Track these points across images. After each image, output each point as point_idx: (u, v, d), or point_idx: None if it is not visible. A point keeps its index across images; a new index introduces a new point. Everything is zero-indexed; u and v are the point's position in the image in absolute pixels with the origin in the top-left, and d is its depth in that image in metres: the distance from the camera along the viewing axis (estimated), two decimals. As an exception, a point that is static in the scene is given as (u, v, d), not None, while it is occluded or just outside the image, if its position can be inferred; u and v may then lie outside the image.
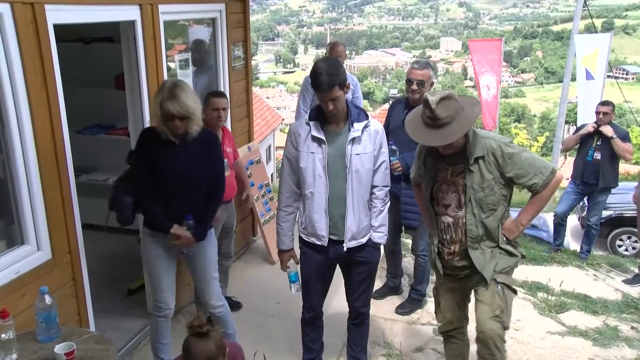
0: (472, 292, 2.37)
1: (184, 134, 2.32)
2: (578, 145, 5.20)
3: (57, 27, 2.27)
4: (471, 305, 2.46)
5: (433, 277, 3.77)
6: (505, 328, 2.24)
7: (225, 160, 3.14)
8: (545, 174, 2.14)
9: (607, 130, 4.83)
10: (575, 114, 6.53)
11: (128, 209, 2.47)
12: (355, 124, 2.36)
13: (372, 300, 2.80)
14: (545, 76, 64.52)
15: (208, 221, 2.53)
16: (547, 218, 9.55)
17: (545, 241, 6.90)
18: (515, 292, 2.31)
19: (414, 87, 3.11)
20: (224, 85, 3.81)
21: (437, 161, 2.24)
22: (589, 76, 8.33)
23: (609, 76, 9.14)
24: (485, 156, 2.13)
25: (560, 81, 12.16)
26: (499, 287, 2.23)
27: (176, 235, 2.42)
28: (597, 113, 4.93)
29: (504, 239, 2.25)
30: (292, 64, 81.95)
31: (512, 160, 2.13)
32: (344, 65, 4.00)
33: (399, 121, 3.23)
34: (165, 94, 2.22)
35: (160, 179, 2.38)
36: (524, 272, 4.52)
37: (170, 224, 2.41)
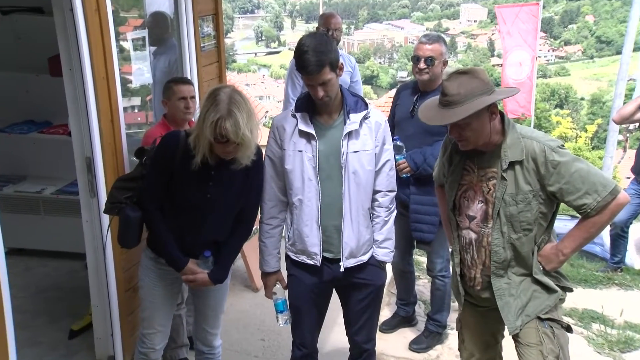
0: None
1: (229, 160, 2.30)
2: None
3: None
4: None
5: (455, 304, 3.80)
6: None
7: None
8: (602, 194, 2.03)
9: None
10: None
11: (134, 226, 2.48)
12: (351, 115, 2.38)
13: (379, 334, 2.82)
14: (597, 47, 64.34)
15: (231, 260, 2.58)
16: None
17: (599, 257, 6.90)
18: (569, 329, 2.25)
19: (422, 65, 3.14)
20: (191, 71, 3.82)
21: (465, 160, 2.24)
22: None
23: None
24: (523, 161, 2.10)
25: (618, 53, 11.91)
26: (546, 325, 2.18)
27: (191, 273, 2.47)
28: None
29: (540, 267, 2.20)
30: (276, 43, 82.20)
31: (557, 170, 2.06)
32: (342, 42, 4.01)
33: (406, 111, 3.26)
34: (224, 111, 2.16)
35: (179, 204, 2.41)
36: (572, 297, 4.45)
37: (185, 260, 2.45)
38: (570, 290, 2.29)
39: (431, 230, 3.21)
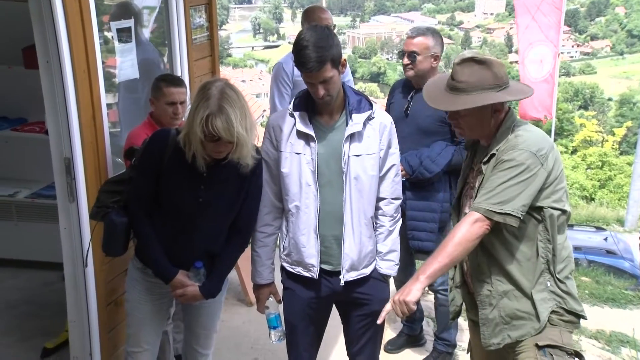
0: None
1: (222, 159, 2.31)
2: None
3: None
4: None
5: (464, 323, 3.78)
6: None
7: None
8: (487, 206, 2.03)
9: None
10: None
11: (120, 233, 2.47)
12: (354, 115, 2.39)
13: (384, 355, 2.81)
14: (628, 42, 64.34)
15: (224, 272, 2.57)
16: (630, 241, 9.51)
17: (628, 274, 6.91)
18: (578, 356, 2.20)
19: (406, 60, 3.20)
20: (181, 65, 3.83)
21: (473, 157, 2.30)
22: None
23: None
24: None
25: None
26: (546, 354, 2.15)
27: (180, 286, 2.45)
28: None
29: (548, 284, 2.15)
30: (275, 36, 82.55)
31: (496, 166, 2.09)
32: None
33: (400, 110, 3.31)
34: (215, 107, 2.17)
35: (168, 208, 2.41)
36: (598, 318, 4.52)
37: (174, 271, 2.45)
38: (584, 317, 2.24)
39: (430, 239, 3.22)
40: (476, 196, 2.15)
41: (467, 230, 2.05)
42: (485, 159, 2.15)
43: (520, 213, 2.04)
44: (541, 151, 2.07)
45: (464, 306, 2.47)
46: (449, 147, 3.17)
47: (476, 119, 2.14)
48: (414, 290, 2.06)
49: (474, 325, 2.39)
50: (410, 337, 3.78)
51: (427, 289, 4.45)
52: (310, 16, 3.92)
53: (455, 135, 3.15)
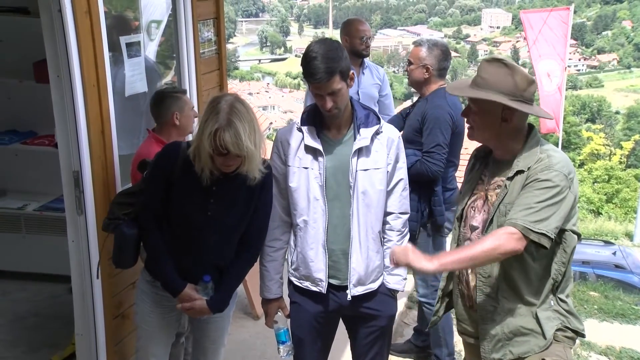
0: None
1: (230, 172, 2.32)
2: None
3: None
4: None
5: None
6: None
7: None
8: (524, 223, 2.00)
9: None
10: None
11: (130, 245, 2.49)
12: (362, 130, 2.40)
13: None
14: (635, 56, 64.33)
15: (233, 287, 2.57)
16: (639, 254, 9.43)
17: (637, 288, 6.85)
18: None
19: (407, 68, 3.37)
20: (189, 79, 3.86)
21: (483, 169, 2.30)
22: None
23: None
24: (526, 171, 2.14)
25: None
26: None
27: (188, 299, 2.45)
28: None
29: (552, 303, 2.16)
30: (282, 49, 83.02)
31: (530, 184, 2.07)
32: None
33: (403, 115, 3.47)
34: (224, 121, 2.18)
35: (177, 222, 2.43)
36: (608, 334, 4.49)
37: (182, 284, 2.44)
38: (583, 335, 2.23)
39: None
40: (495, 211, 2.14)
41: (503, 242, 2.00)
42: (511, 175, 2.14)
43: (553, 234, 2.03)
44: (571, 174, 2.09)
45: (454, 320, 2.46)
46: (412, 157, 3.14)
47: (483, 121, 2.16)
48: (421, 263, 2.04)
49: (468, 338, 2.37)
50: (417, 347, 3.76)
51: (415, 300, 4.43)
52: (349, 27, 4.10)
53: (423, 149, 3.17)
